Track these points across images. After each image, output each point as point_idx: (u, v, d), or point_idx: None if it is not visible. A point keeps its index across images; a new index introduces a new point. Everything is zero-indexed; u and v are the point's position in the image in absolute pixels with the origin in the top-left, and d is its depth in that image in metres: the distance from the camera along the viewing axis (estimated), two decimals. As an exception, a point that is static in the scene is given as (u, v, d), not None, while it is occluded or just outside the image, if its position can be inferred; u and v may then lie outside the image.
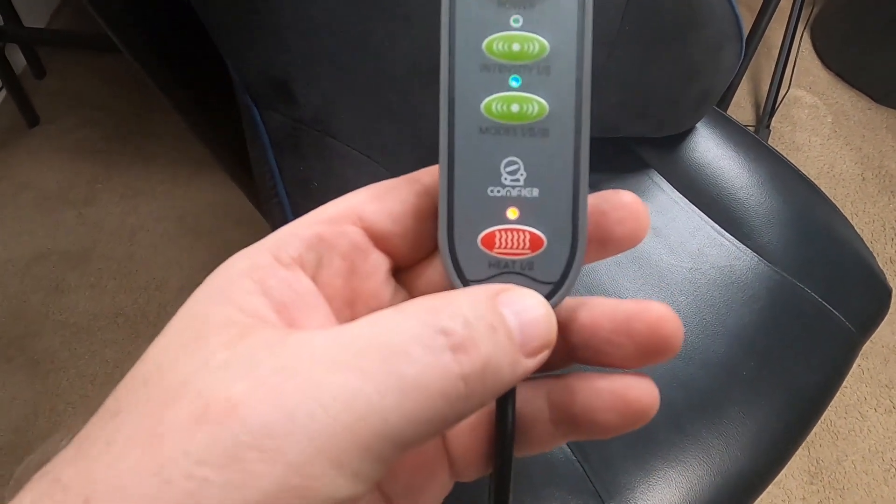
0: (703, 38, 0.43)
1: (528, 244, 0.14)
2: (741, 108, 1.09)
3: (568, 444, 0.40)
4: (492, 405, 0.14)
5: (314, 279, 0.14)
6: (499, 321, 0.12)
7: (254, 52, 0.28)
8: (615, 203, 0.14)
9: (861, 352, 0.49)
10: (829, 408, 0.48)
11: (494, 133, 0.13)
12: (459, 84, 0.13)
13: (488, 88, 0.13)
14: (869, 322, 0.47)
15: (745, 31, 1.00)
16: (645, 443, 0.41)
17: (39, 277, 0.94)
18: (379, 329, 0.11)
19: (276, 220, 0.30)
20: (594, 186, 0.52)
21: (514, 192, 0.14)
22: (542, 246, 0.14)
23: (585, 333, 0.14)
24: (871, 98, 1.10)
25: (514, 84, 0.13)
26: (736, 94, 1.06)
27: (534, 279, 0.14)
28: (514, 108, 0.13)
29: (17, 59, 1.10)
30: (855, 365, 0.83)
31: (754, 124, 1.06)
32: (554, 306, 0.13)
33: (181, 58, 0.34)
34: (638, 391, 0.13)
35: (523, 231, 0.14)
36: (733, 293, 0.46)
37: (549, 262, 0.14)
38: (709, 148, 0.52)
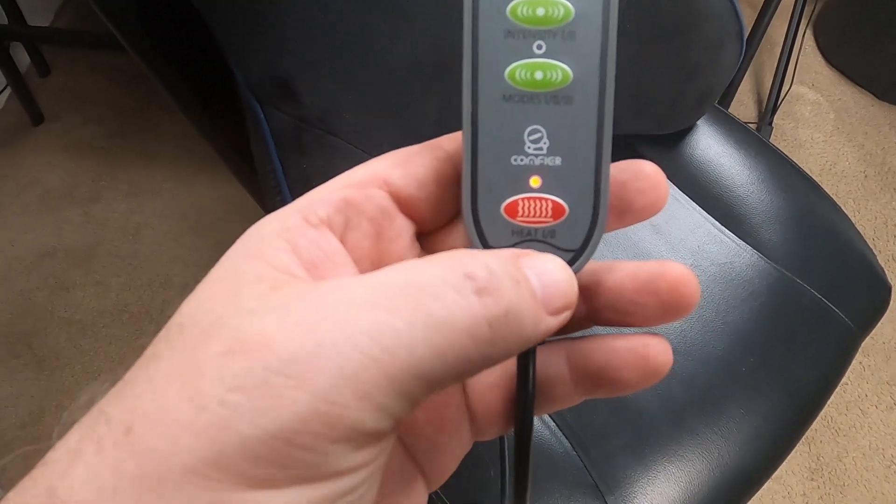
0: (703, 36, 0.43)
1: (550, 212, 0.14)
2: (743, 105, 1.09)
3: (568, 439, 0.41)
4: (513, 364, 0.14)
5: (342, 241, 0.14)
6: (522, 276, 0.12)
7: (257, 52, 0.28)
8: (636, 172, 0.14)
9: (862, 348, 0.49)
10: (829, 404, 0.48)
11: (518, 101, 0.13)
12: (483, 51, 0.13)
13: (512, 55, 0.13)
14: (868, 319, 0.47)
15: (748, 29, 1.00)
16: (645, 437, 0.41)
17: (45, 275, 0.95)
18: (407, 273, 0.12)
19: (280, 217, 0.31)
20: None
21: (538, 161, 0.14)
22: (563, 214, 0.14)
23: (610, 295, 0.14)
24: (874, 94, 1.09)
25: (538, 50, 0.13)
26: (738, 90, 1.06)
27: (555, 247, 0.14)
28: (538, 75, 0.13)
29: (22, 58, 1.11)
30: (856, 361, 0.83)
31: (757, 121, 1.06)
32: (575, 273, 0.14)
33: (185, 57, 0.35)
34: (655, 349, 0.14)
35: (546, 199, 0.14)
36: (733, 290, 0.46)
37: (571, 230, 0.14)
38: (709, 145, 0.52)
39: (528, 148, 0.14)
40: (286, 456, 0.10)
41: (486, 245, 0.14)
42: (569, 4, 0.13)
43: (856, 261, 0.48)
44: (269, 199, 0.31)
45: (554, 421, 0.41)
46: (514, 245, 0.14)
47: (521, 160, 0.14)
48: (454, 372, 0.12)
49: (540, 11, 0.13)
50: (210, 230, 0.98)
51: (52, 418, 0.83)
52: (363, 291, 0.12)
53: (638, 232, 0.49)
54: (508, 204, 0.14)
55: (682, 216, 0.50)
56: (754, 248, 0.48)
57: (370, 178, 0.14)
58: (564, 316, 0.13)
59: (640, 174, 0.14)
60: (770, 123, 1.04)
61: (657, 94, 0.47)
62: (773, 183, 0.50)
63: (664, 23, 0.42)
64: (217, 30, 0.28)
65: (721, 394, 0.43)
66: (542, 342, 0.14)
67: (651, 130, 0.50)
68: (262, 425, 0.10)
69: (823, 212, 0.50)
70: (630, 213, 0.14)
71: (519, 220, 0.14)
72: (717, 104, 1.11)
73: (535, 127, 0.13)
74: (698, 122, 0.52)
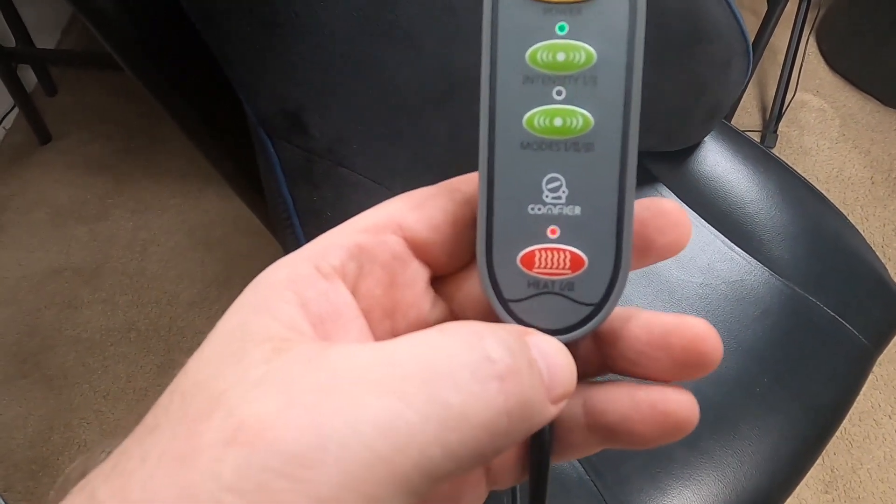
0: (710, 53, 0.43)
1: (568, 264, 0.13)
2: (748, 113, 1.08)
3: (581, 463, 0.40)
4: None
5: (354, 289, 0.14)
6: (533, 358, 0.12)
7: (266, 86, 0.29)
8: (655, 211, 0.14)
9: (875, 360, 0.48)
10: (843, 417, 0.48)
11: (536, 148, 0.13)
12: (501, 97, 0.13)
13: (531, 101, 0.13)
14: (882, 334, 0.47)
15: (751, 36, 1.00)
16: (659, 461, 0.40)
17: (53, 293, 0.95)
18: (423, 350, 0.11)
19: (290, 249, 0.31)
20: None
21: (556, 211, 0.13)
22: (583, 266, 0.13)
23: (624, 345, 0.14)
24: (879, 100, 1.09)
25: (557, 96, 0.13)
26: (743, 99, 1.06)
27: (573, 300, 0.13)
28: (558, 121, 0.13)
29: (29, 77, 1.12)
30: (872, 367, 0.83)
31: (761, 129, 1.06)
32: (593, 329, 0.13)
33: (193, 85, 0.35)
34: (677, 404, 0.13)
35: (564, 251, 0.13)
36: (745, 308, 0.46)
37: (590, 282, 0.13)
38: (717, 161, 0.52)
39: (547, 197, 0.13)
40: None
41: (500, 297, 0.14)
42: (591, 49, 0.13)
43: (868, 276, 0.48)
44: (280, 231, 0.31)
45: (567, 444, 0.41)
46: (530, 297, 0.13)
47: (539, 209, 0.13)
48: (466, 466, 0.11)
49: (560, 57, 0.13)
50: (217, 246, 0.99)
51: (61, 437, 0.83)
52: (375, 369, 0.11)
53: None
54: (525, 255, 0.13)
55: (692, 233, 0.49)
56: (765, 266, 0.48)
57: (385, 223, 0.14)
58: (563, 404, 0.12)
59: (661, 212, 0.14)
60: (775, 131, 1.04)
61: (665, 111, 0.46)
62: (782, 199, 0.50)
63: (671, 41, 0.42)
64: (226, 65, 0.28)
65: (736, 414, 0.42)
66: None
67: (660, 147, 0.50)
68: None
69: (834, 227, 0.50)
70: (651, 252, 0.14)
71: (536, 272, 0.13)
72: (723, 118, 1.10)
73: (553, 175, 0.13)
74: (706, 139, 0.52)
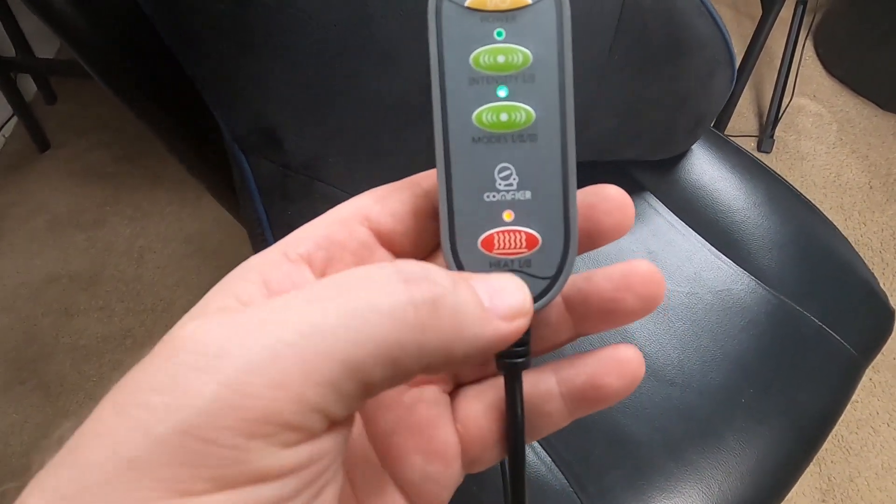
0: (694, 64, 0.43)
1: (524, 243, 0.15)
2: (744, 119, 1.08)
3: (564, 475, 0.40)
4: (502, 390, 0.15)
5: (323, 274, 0.15)
6: (463, 279, 0.13)
7: (241, 105, 0.29)
8: (602, 196, 0.15)
9: (872, 365, 0.48)
10: (840, 423, 0.47)
11: (487, 142, 0.14)
12: (451, 98, 0.14)
13: (478, 100, 0.14)
14: (872, 345, 0.46)
15: (747, 41, 0.99)
16: (643, 472, 0.40)
17: (51, 300, 0.96)
18: (344, 273, 0.12)
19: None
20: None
21: (509, 196, 0.15)
22: (537, 244, 0.15)
23: (593, 300, 0.15)
24: (877, 104, 1.08)
25: (501, 94, 0.14)
26: (739, 104, 1.05)
27: (532, 275, 0.15)
28: (503, 117, 0.14)
29: (29, 86, 1.13)
30: (866, 378, 0.82)
31: (758, 134, 1.06)
32: (552, 298, 0.15)
33: (172, 103, 0.35)
34: (628, 352, 0.15)
35: (519, 232, 0.15)
36: (731, 318, 0.46)
37: (545, 258, 0.15)
38: (704, 170, 0.51)
39: (500, 185, 0.15)
40: (200, 454, 0.10)
41: None
42: (527, 51, 0.14)
43: (857, 285, 0.48)
44: (256, 247, 0.31)
45: (550, 456, 0.41)
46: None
47: (494, 196, 0.15)
48: (383, 359, 0.11)
49: (500, 59, 0.14)
50: (213, 254, 0.99)
51: (56, 445, 0.84)
52: (294, 295, 0.12)
53: (634, 258, 0.49)
54: (485, 238, 0.15)
55: (679, 242, 0.49)
56: (752, 275, 0.47)
57: (353, 215, 0.15)
58: (519, 323, 0.13)
59: (607, 197, 0.15)
60: (772, 136, 1.03)
61: (649, 122, 0.46)
62: (770, 207, 0.50)
63: (654, 52, 0.42)
64: (200, 85, 0.28)
65: (721, 425, 0.42)
66: (525, 365, 0.15)
67: (645, 156, 0.50)
68: (173, 422, 0.10)
69: (822, 236, 0.49)
70: (599, 234, 0.15)
71: (496, 253, 0.15)
72: (717, 122, 1.10)
73: (504, 165, 0.14)
74: (693, 147, 0.52)
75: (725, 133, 1.05)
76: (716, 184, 0.51)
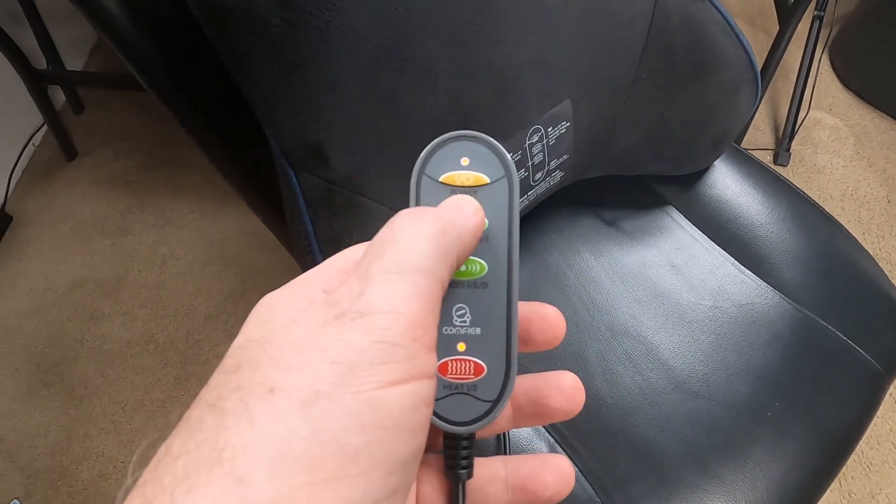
0: (719, 82, 0.44)
1: (472, 371, 0.17)
2: (761, 132, 1.09)
3: (591, 485, 0.41)
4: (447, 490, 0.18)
5: None
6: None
7: (289, 121, 0.30)
8: (540, 314, 0.18)
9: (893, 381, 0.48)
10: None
11: (449, 286, 0.17)
12: None
13: None
14: (895, 360, 0.47)
15: (764, 55, 0.99)
16: (668, 484, 0.41)
17: (76, 305, 0.98)
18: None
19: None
20: (613, 224, 0.52)
21: (463, 331, 0.17)
22: (483, 372, 0.17)
23: (531, 395, 0.19)
24: (894, 118, 1.08)
25: None
26: (755, 117, 1.06)
27: (477, 398, 0.17)
28: (462, 267, 0.17)
29: (58, 96, 1.16)
30: (887, 394, 0.81)
31: (774, 147, 1.06)
32: (493, 419, 0.17)
33: (216, 114, 0.37)
34: (568, 377, 0.19)
35: (469, 361, 0.17)
36: (756, 332, 0.46)
37: (489, 384, 0.17)
38: (727, 184, 0.52)
39: (456, 321, 0.17)
40: None
41: None
42: (486, 220, 0.17)
43: (880, 301, 0.48)
44: (300, 258, 0.32)
45: (577, 466, 0.42)
46: (444, 397, 0.18)
47: (451, 330, 0.17)
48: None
49: None
50: (234, 261, 1.01)
51: (80, 447, 0.85)
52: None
53: (658, 272, 0.50)
54: (441, 364, 0.17)
55: (702, 256, 0.50)
56: (776, 289, 0.48)
57: (350, 265, 0.17)
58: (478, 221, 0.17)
59: (543, 316, 0.18)
60: (788, 149, 1.04)
61: (674, 138, 0.47)
62: (793, 222, 0.50)
63: (680, 71, 0.43)
64: (254, 104, 0.30)
65: (747, 439, 0.42)
66: (469, 475, 0.18)
67: (668, 172, 0.51)
68: None
69: (846, 251, 0.50)
70: (531, 343, 0.18)
71: (449, 377, 0.17)
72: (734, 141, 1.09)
73: (460, 305, 0.17)
74: (715, 162, 0.52)
75: (742, 146, 1.06)
76: (739, 199, 0.52)
